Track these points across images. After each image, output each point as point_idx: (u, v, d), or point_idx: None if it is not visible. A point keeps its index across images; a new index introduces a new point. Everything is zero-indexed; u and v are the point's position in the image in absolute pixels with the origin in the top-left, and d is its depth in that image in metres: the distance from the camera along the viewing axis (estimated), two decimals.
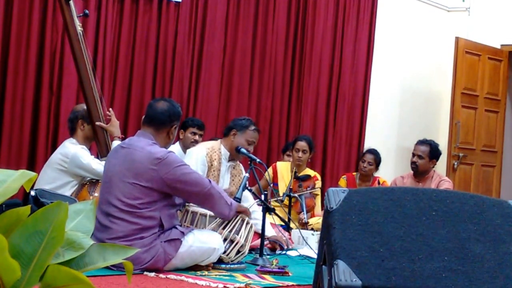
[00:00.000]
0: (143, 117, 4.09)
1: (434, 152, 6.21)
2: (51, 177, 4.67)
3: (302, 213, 5.83)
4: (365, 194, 2.88)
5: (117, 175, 3.87)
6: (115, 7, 6.15)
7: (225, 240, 4.13)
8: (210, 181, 3.99)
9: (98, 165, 4.60)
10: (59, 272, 1.72)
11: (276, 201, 5.87)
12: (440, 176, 6.41)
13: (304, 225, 5.74)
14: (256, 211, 4.98)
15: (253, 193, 4.93)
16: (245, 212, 4.30)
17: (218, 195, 4.00)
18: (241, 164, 5.27)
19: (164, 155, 3.86)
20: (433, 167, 6.31)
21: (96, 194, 4.50)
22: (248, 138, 4.97)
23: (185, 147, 5.73)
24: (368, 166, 6.56)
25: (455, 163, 8.53)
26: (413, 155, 6.26)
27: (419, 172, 6.22)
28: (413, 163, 6.24)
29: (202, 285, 3.53)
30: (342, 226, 2.76)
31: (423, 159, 6.19)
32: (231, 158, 5.07)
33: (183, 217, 4.26)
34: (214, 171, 4.91)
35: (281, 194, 6.08)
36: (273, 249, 5.18)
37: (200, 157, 4.92)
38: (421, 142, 6.29)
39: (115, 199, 3.83)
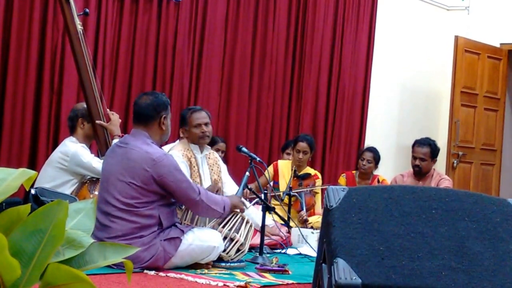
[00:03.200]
0: (133, 116, 4.09)
1: (434, 152, 6.18)
2: (51, 176, 4.67)
3: (302, 211, 5.84)
4: (364, 193, 2.88)
5: (115, 174, 3.87)
6: (115, 6, 6.14)
7: (225, 238, 4.14)
8: (199, 192, 3.98)
9: (98, 164, 4.60)
10: (59, 270, 1.72)
11: (275, 197, 5.88)
12: (440, 174, 6.40)
13: (303, 223, 5.74)
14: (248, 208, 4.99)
15: (252, 191, 4.93)
16: (239, 205, 4.30)
17: (206, 206, 4.01)
18: (214, 152, 5.20)
19: (160, 157, 3.86)
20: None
21: (96, 193, 4.50)
22: (194, 123, 4.86)
23: None
24: (367, 164, 6.56)
25: (455, 161, 8.54)
26: (414, 158, 6.16)
27: (422, 173, 6.20)
28: (416, 166, 6.14)
29: (202, 283, 3.54)
30: (342, 224, 2.77)
31: (426, 161, 6.12)
32: (201, 149, 4.96)
33: (183, 215, 4.27)
34: (194, 167, 4.88)
35: (281, 193, 6.07)
36: (273, 247, 5.19)
37: (180, 160, 4.83)
38: (421, 144, 6.18)
39: (113, 198, 3.84)
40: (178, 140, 5.96)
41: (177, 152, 4.85)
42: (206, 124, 4.90)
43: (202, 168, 4.95)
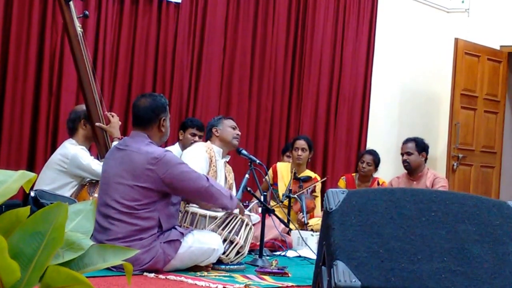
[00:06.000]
0: (132, 119, 4.10)
1: (420, 145, 6.37)
2: (51, 178, 4.67)
3: (302, 214, 5.83)
4: (364, 195, 2.88)
5: (115, 177, 3.87)
6: (115, 8, 6.15)
7: (224, 240, 4.14)
8: (208, 179, 4.01)
9: (98, 166, 4.60)
10: (59, 273, 1.71)
11: (275, 200, 5.88)
12: (435, 174, 6.46)
13: (303, 226, 5.74)
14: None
15: (252, 193, 4.93)
16: (241, 210, 4.31)
17: (217, 191, 4.01)
18: (228, 165, 5.37)
19: (161, 154, 3.87)
20: (425, 160, 6.37)
21: (95, 195, 4.50)
22: (229, 125, 5.17)
23: (184, 148, 5.73)
24: (367, 167, 6.58)
25: (455, 164, 8.54)
26: (402, 154, 6.39)
27: (413, 169, 6.30)
28: (404, 161, 6.37)
29: (202, 285, 3.54)
30: (341, 227, 2.76)
31: (412, 154, 6.33)
32: (223, 155, 5.18)
33: (182, 218, 4.27)
34: (214, 166, 5.02)
35: (280, 194, 6.08)
36: (272, 249, 5.19)
37: (203, 154, 4.99)
38: (406, 141, 6.43)
39: (113, 201, 3.84)
40: (177, 143, 5.97)
41: (202, 147, 5.07)
42: (237, 129, 5.24)
43: (220, 171, 5.09)
